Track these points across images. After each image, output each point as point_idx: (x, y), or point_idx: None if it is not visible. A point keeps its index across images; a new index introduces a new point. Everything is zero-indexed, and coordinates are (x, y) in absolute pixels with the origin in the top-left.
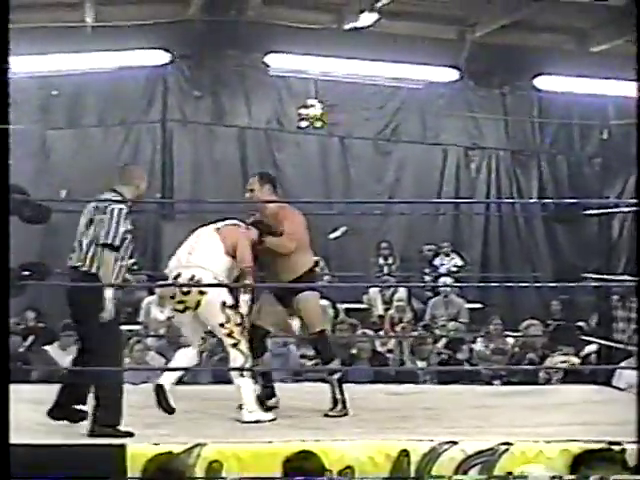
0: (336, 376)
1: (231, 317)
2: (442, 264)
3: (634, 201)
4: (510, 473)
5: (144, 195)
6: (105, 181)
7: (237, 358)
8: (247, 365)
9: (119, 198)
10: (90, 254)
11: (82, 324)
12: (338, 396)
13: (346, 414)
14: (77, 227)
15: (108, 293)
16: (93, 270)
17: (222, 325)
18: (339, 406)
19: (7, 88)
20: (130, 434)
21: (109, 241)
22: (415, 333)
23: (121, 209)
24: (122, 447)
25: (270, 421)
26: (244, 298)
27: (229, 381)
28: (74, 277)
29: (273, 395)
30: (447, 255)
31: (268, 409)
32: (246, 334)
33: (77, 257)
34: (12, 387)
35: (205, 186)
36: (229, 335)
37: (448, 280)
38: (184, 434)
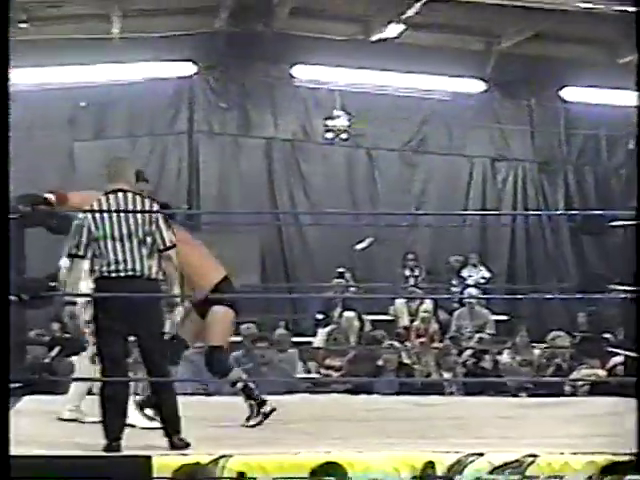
0: (239, 385)
1: None
2: (470, 275)
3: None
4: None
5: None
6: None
7: None
8: None
9: (149, 199)
10: (150, 260)
11: (147, 335)
12: (251, 403)
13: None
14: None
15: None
16: (154, 276)
17: None
18: (254, 413)
19: (8, 93)
20: (188, 444)
21: (169, 244)
22: (440, 345)
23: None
24: (148, 458)
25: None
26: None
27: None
28: (133, 286)
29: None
30: (475, 266)
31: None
32: None
33: (135, 264)
34: (38, 398)
35: (231, 197)
36: None
37: (474, 292)
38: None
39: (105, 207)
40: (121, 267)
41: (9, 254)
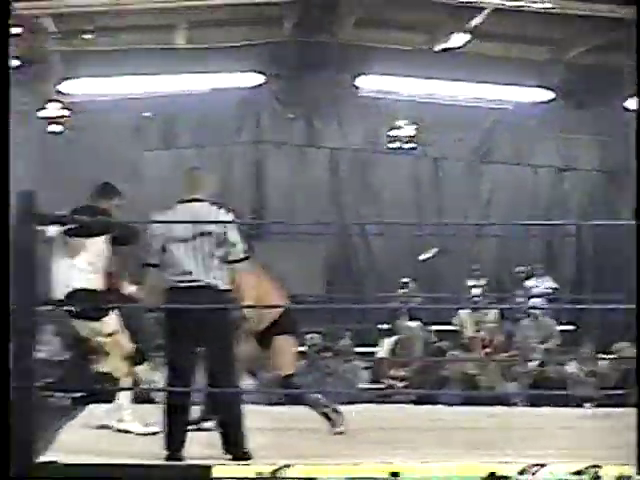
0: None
1: None
2: (535, 286)
3: None
4: None
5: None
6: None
7: None
8: None
9: (216, 207)
10: (222, 271)
11: (221, 346)
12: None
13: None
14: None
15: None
16: (222, 287)
17: None
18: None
19: (8, 94)
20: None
21: (243, 255)
22: (506, 355)
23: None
24: (207, 468)
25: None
26: None
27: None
28: (205, 297)
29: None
30: (541, 277)
31: None
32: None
33: (208, 274)
34: (103, 407)
35: (297, 207)
36: None
37: (538, 302)
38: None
39: (177, 217)
40: (190, 278)
41: (9, 256)
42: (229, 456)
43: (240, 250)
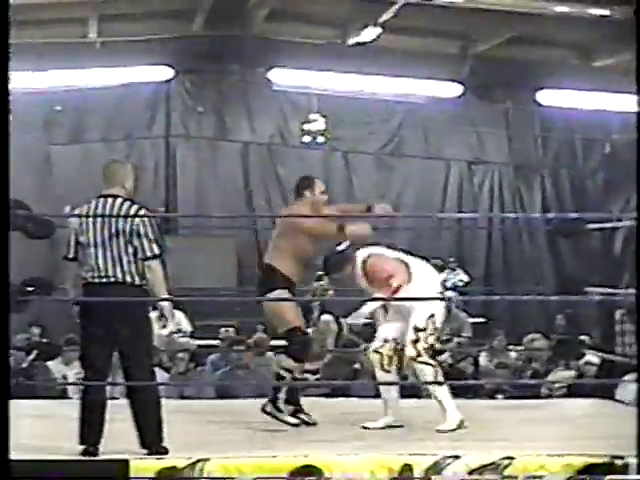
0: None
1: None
2: (448, 279)
3: (636, 214)
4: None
5: (132, 195)
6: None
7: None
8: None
9: (129, 203)
10: (133, 266)
11: (134, 344)
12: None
13: None
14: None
15: (166, 306)
16: (138, 282)
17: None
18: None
19: (8, 98)
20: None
21: (157, 252)
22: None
23: (144, 218)
24: (125, 462)
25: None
26: None
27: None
28: (116, 293)
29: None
30: (453, 270)
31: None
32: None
33: (116, 270)
34: (15, 402)
35: (208, 201)
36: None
37: (451, 294)
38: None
39: (91, 212)
40: (103, 273)
41: (9, 265)
42: (145, 451)
43: (151, 247)
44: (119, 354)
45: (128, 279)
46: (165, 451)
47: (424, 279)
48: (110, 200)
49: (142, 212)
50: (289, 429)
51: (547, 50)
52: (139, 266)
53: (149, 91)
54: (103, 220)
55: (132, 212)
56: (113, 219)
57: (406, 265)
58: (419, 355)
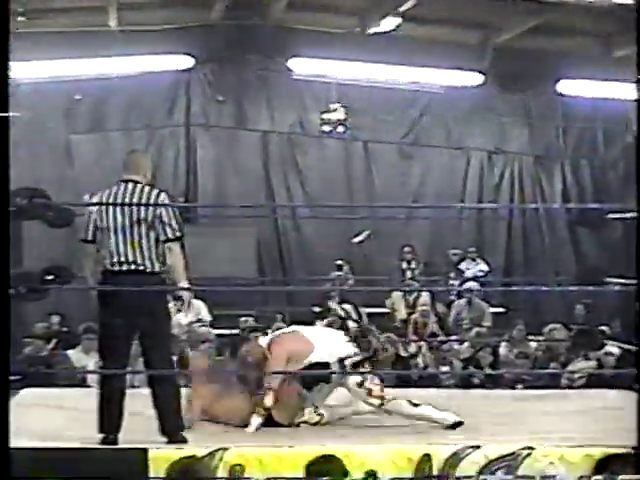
0: None
1: None
2: (468, 268)
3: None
4: (532, 477)
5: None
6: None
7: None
8: None
9: (149, 188)
10: (154, 252)
11: (153, 333)
12: None
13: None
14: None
15: (185, 293)
16: (157, 269)
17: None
18: None
19: (8, 92)
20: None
21: (178, 234)
22: (438, 337)
23: (163, 197)
24: (144, 451)
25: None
26: None
27: None
28: (135, 281)
29: None
30: (473, 260)
31: None
32: None
33: (136, 256)
34: (35, 391)
35: (228, 190)
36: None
37: (473, 285)
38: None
39: (110, 198)
40: (123, 259)
41: (9, 250)
42: (165, 439)
43: (173, 230)
44: (139, 343)
45: (148, 265)
46: (184, 440)
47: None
48: (131, 185)
49: (163, 196)
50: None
51: (568, 40)
52: (159, 252)
53: (169, 80)
54: (123, 207)
55: (153, 197)
56: (134, 206)
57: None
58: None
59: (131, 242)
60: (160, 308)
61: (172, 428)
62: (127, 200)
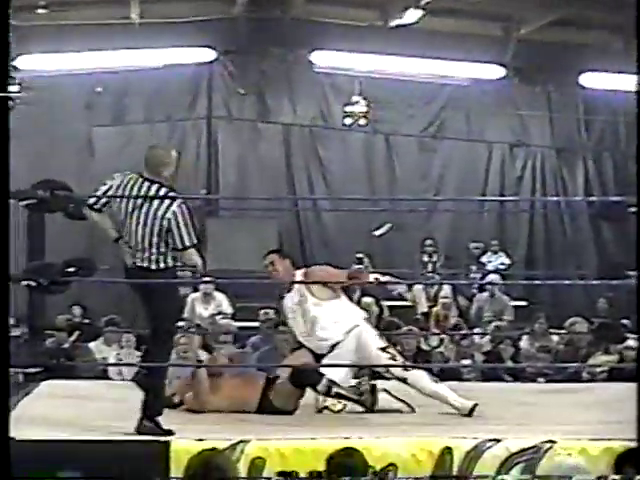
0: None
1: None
2: (489, 261)
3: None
4: (548, 477)
5: (170, 181)
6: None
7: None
8: None
9: (165, 189)
10: (158, 251)
11: (158, 325)
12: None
13: None
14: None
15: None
16: (162, 266)
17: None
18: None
19: (8, 92)
20: (171, 432)
21: (188, 244)
22: (460, 330)
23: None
24: (166, 443)
25: None
26: None
27: None
28: (145, 277)
29: None
30: (495, 253)
31: None
32: None
33: (144, 257)
34: (57, 383)
35: (250, 183)
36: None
37: (495, 277)
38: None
39: (121, 188)
40: (138, 256)
41: (8, 244)
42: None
43: (185, 238)
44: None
45: (151, 264)
46: (168, 433)
47: None
48: (145, 186)
49: (177, 202)
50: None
51: (590, 32)
52: (168, 252)
53: (191, 73)
54: (135, 203)
55: (162, 208)
56: (148, 205)
57: None
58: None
59: (137, 238)
60: (157, 304)
61: (151, 414)
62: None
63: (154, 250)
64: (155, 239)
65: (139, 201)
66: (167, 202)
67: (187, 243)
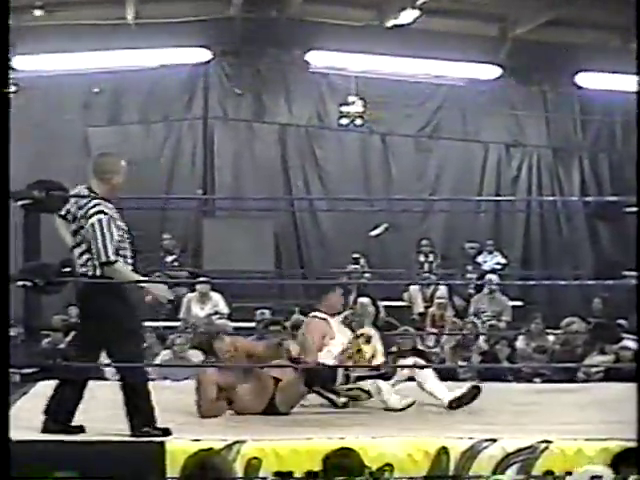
0: None
1: None
2: (485, 261)
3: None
4: (550, 472)
5: (119, 190)
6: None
7: None
8: None
9: (97, 200)
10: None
11: (103, 325)
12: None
13: None
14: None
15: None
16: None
17: None
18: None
19: (8, 92)
20: (168, 432)
21: (103, 259)
22: (456, 331)
23: (101, 219)
24: (161, 444)
25: None
26: None
27: None
28: (84, 284)
29: None
30: (490, 253)
31: None
32: None
33: (82, 265)
34: (53, 383)
35: (246, 183)
36: None
37: (493, 277)
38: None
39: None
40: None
41: (8, 244)
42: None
43: (103, 253)
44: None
45: (86, 272)
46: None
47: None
48: (84, 194)
49: (97, 217)
50: (325, 410)
51: (586, 32)
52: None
53: (187, 73)
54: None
55: (90, 212)
56: (79, 216)
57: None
58: None
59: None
60: (93, 312)
61: (137, 423)
62: (71, 209)
63: (83, 259)
64: (80, 250)
65: (78, 212)
66: (90, 213)
67: (103, 259)
